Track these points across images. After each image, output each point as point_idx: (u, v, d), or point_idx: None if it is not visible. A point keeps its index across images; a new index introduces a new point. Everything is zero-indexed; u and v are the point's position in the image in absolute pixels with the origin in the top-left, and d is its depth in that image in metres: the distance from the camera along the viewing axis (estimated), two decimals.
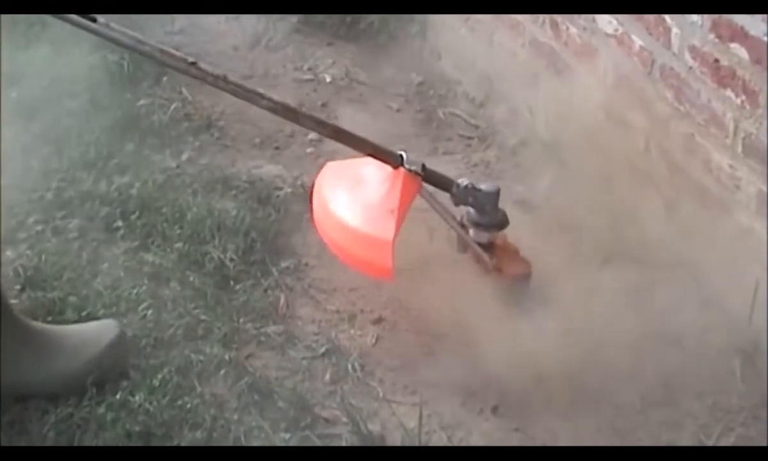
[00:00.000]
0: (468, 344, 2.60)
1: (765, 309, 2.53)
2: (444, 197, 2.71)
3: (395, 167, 2.61)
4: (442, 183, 2.71)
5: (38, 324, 2.46)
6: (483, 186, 2.71)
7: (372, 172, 2.65)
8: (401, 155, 2.62)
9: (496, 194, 2.72)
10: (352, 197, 2.66)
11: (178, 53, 2.47)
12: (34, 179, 3.03)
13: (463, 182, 2.70)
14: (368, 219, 2.59)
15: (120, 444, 2.29)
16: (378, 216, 2.57)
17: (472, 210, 2.72)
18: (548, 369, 2.54)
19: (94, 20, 2.34)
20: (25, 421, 2.33)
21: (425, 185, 2.65)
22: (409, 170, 2.60)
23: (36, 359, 2.37)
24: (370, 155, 2.62)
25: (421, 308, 2.72)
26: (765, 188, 2.55)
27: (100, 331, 2.46)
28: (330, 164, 2.83)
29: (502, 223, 2.74)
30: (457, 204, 2.73)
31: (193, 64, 2.43)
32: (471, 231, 2.73)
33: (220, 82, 2.47)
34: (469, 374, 2.55)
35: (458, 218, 2.74)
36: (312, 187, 2.80)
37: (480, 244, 2.71)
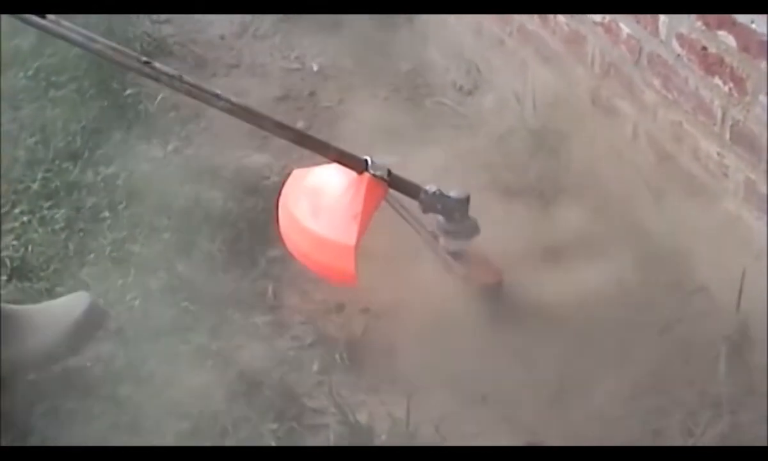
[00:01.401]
0: (456, 333, 2.60)
1: (752, 297, 2.53)
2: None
3: (360, 173, 2.59)
4: (409, 189, 2.66)
5: (5, 307, 2.42)
6: (452, 193, 2.67)
7: (337, 178, 2.63)
8: (366, 160, 2.59)
9: (466, 201, 2.67)
10: (316, 204, 2.64)
11: (131, 52, 2.43)
12: (20, 169, 3.02)
13: (431, 188, 2.65)
14: (331, 225, 2.57)
15: (108, 436, 2.28)
16: (341, 222, 2.55)
17: (441, 218, 2.68)
18: (536, 358, 2.55)
19: (44, 17, 2.30)
20: (11, 414, 2.33)
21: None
22: (374, 176, 2.58)
23: (7, 340, 2.34)
24: (334, 160, 2.59)
25: (409, 298, 2.71)
26: (753, 176, 2.55)
27: (70, 304, 2.44)
28: (296, 172, 2.81)
29: (473, 231, 2.70)
30: (425, 211, 2.68)
31: (147, 63, 2.40)
32: (441, 239, 2.69)
33: (176, 83, 2.43)
34: (457, 363, 2.54)
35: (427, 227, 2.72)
36: (278, 197, 2.78)
37: (450, 252, 2.68)
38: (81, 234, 2.83)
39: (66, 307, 2.44)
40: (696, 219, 2.70)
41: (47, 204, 2.92)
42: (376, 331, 2.64)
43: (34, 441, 2.28)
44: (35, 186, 2.98)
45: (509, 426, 2.41)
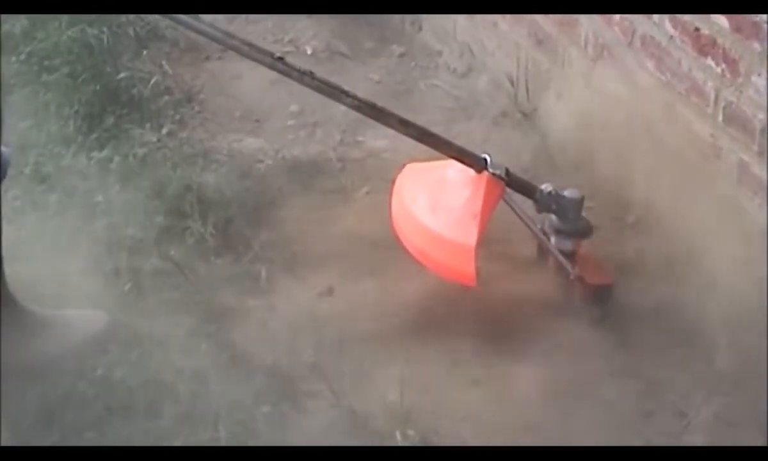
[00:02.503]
0: (450, 315, 2.61)
1: (746, 278, 2.53)
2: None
3: (479, 172, 2.58)
4: (526, 189, 2.67)
5: (28, 306, 2.45)
6: (566, 192, 2.66)
7: (454, 175, 2.62)
8: (485, 159, 2.58)
9: (581, 201, 2.66)
10: (434, 201, 2.62)
11: (264, 49, 2.51)
12: (12, 153, 3.01)
13: (547, 188, 2.66)
14: (451, 224, 2.56)
15: (101, 419, 2.29)
16: (461, 221, 2.54)
17: (554, 217, 2.67)
18: (527, 338, 2.55)
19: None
20: (4, 397, 2.32)
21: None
22: (493, 175, 2.57)
23: (21, 338, 2.37)
24: (453, 157, 2.58)
25: (403, 280, 2.71)
26: (746, 157, 2.55)
27: (87, 319, 2.47)
28: (410, 165, 2.79)
29: (586, 231, 2.68)
30: (539, 211, 2.69)
31: (280, 58, 2.47)
32: (552, 239, 2.68)
33: (306, 79, 2.48)
34: (451, 346, 2.55)
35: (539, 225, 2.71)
36: (392, 187, 2.77)
37: (563, 252, 2.66)
38: (74, 218, 2.82)
39: (83, 321, 2.46)
40: (689, 200, 2.70)
41: (40, 188, 2.91)
42: (370, 314, 2.64)
43: (27, 424, 2.28)
44: (28, 171, 2.97)
45: (502, 409, 2.41)
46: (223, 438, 2.26)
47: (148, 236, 2.77)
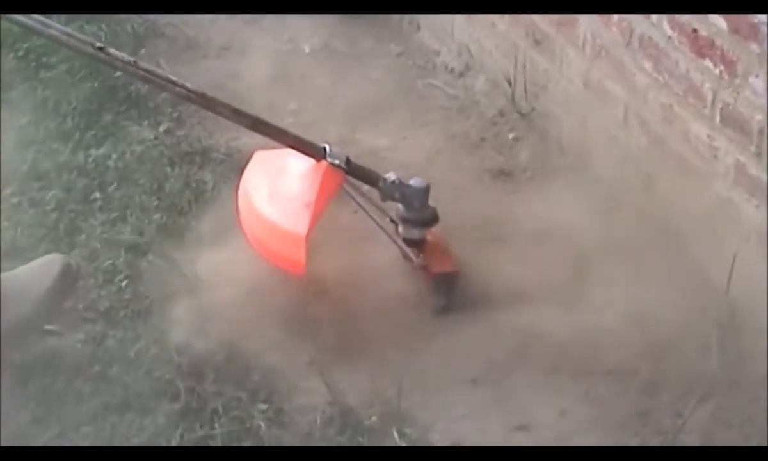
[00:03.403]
0: (447, 316, 2.61)
1: (742, 279, 2.54)
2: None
3: (318, 160, 2.58)
4: (368, 177, 2.67)
5: None
6: (412, 182, 2.67)
7: (295, 164, 2.62)
8: (324, 148, 2.58)
9: (425, 190, 2.67)
10: (273, 189, 2.62)
11: (84, 37, 2.42)
12: (10, 150, 3.01)
13: (390, 176, 2.65)
14: (285, 212, 2.55)
15: (98, 416, 2.29)
16: (294, 210, 2.53)
17: (401, 206, 2.68)
18: (528, 339, 2.55)
19: None
20: (1, 393, 2.33)
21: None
22: (332, 164, 2.57)
23: None
24: (291, 147, 2.58)
25: (400, 280, 2.72)
26: (743, 159, 2.55)
27: (45, 267, 2.43)
28: (258, 153, 2.79)
29: (431, 220, 2.69)
30: (383, 199, 2.69)
31: (101, 48, 2.39)
32: (400, 227, 2.69)
33: (130, 68, 2.42)
34: (449, 345, 2.55)
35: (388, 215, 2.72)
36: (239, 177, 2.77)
37: (409, 240, 2.68)
38: (72, 215, 2.83)
39: (40, 271, 2.42)
40: (686, 202, 2.71)
41: (38, 185, 2.91)
42: (367, 313, 2.64)
43: (24, 421, 2.28)
44: (25, 167, 2.97)
45: (500, 409, 2.42)
46: (219, 434, 2.27)
47: (145, 234, 2.77)
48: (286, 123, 3.27)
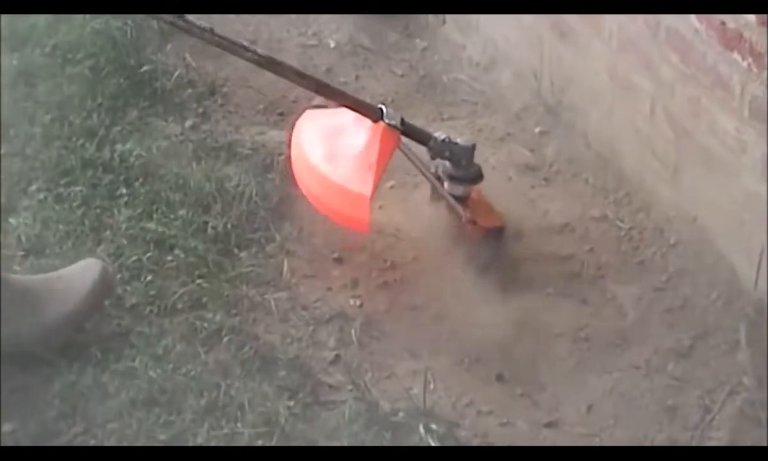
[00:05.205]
0: (473, 311, 2.60)
1: None
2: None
3: (375, 121, 2.65)
4: (420, 137, 2.75)
5: (22, 279, 2.46)
6: (459, 140, 2.76)
7: (351, 123, 2.70)
8: (381, 109, 2.66)
9: (472, 149, 2.75)
10: (331, 148, 2.71)
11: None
12: (36, 146, 3.02)
13: (440, 135, 2.74)
14: (347, 173, 2.64)
15: (124, 412, 2.30)
16: (357, 170, 2.62)
17: (448, 163, 2.75)
18: (553, 333, 2.55)
19: None
20: (29, 389, 2.34)
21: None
22: (388, 125, 2.64)
23: (28, 314, 2.38)
24: (350, 108, 2.66)
25: (427, 274, 2.72)
26: None
27: (83, 271, 2.48)
28: (309, 112, 2.88)
29: (477, 177, 2.77)
30: (433, 157, 2.77)
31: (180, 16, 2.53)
32: (446, 184, 2.76)
33: (206, 35, 2.56)
34: (474, 340, 2.55)
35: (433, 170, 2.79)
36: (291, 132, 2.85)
37: (455, 196, 2.74)
38: (97, 211, 2.83)
39: (80, 274, 2.47)
40: (714, 196, 2.69)
41: (63, 181, 2.91)
42: (393, 307, 2.64)
43: (51, 416, 2.29)
44: (51, 163, 2.97)
45: (526, 402, 2.41)
46: (245, 431, 2.27)
47: (171, 229, 2.77)
48: None
